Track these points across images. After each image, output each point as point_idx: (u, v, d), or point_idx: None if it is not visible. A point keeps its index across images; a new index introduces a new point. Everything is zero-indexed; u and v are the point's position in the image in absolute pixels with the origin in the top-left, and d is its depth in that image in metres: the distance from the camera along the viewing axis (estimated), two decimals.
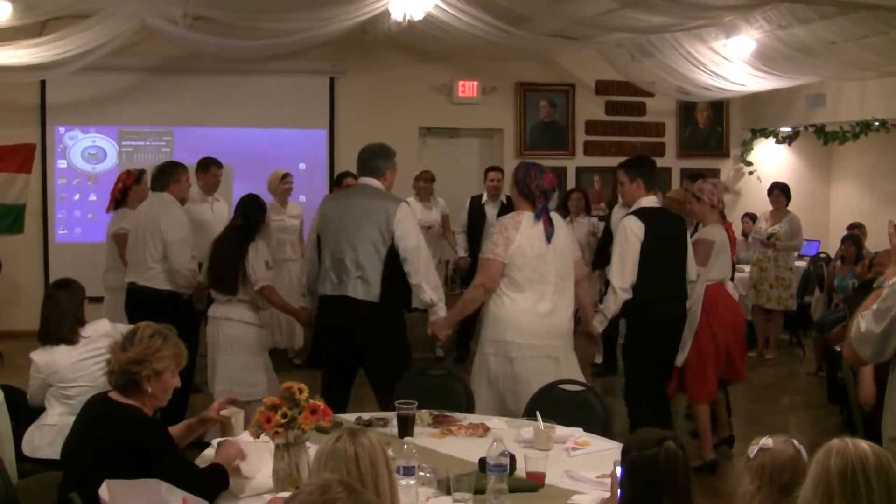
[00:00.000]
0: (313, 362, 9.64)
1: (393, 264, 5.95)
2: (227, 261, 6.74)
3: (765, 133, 13.92)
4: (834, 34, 9.56)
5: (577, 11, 9.84)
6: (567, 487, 3.84)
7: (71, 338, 5.19)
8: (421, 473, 3.69)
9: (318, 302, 6.30)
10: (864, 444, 2.51)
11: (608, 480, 3.39)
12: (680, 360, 6.68)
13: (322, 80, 12.60)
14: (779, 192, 10.88)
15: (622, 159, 6.99)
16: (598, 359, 10.31)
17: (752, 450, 2.97)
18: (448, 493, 3.65)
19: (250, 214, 6.81)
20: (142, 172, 8.43)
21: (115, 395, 3.79)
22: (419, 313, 6.67)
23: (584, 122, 13.50)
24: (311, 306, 6.49)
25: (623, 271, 6.23)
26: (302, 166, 12.08)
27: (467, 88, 12.98)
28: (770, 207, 11.00)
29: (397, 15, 9.71)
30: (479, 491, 3.63)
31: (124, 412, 3.71)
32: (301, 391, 3.75)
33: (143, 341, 3.80)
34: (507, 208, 10.34)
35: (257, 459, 3.95)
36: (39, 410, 5.23)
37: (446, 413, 4.93)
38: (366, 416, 4.96)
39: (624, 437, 4.00)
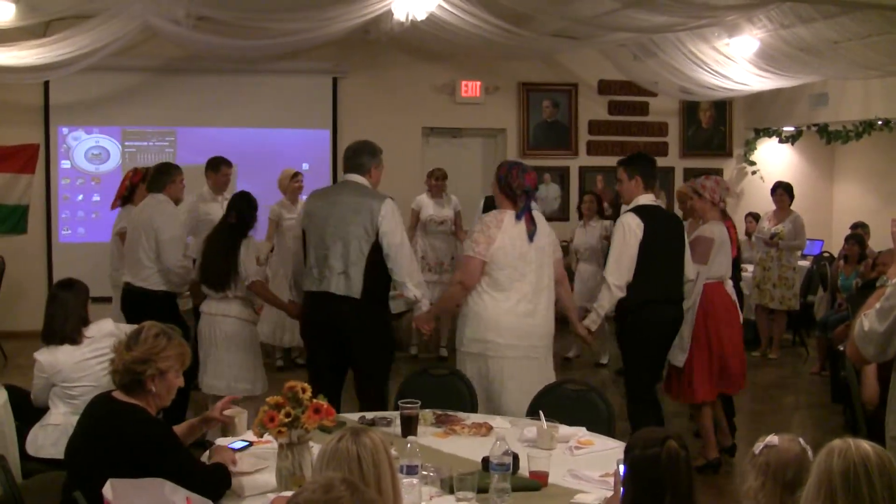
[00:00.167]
0: None
1: (376, 261, 5.95)
2: (219, 258, 6.80)
3: (768, 132, 13.91)
4: (837, 33, 9.54)
5: (579, 11, 9.84)
6: (570, 486, 3.85)
7: (75, 337, 5.20)
8: (424, 473, 3.70)
9: (303, 298, 6.31)
10: (866, 445, 2.51)
11: (611, 480, 3.40)
12: (681, 360, 6.66)
13: (325, 80, 12.60)
14: (782, 191, 10.87)
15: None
16: (604, 359, 10.31)
17: (758, 447, 2.97)
18: (451, 492, 3.66)
19: (243, 212, 6.86)
20: (149, 171, 8.44)
21: (118, 395, 3.79)
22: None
23: (587, 121, 13.50)
24: (299, 300, 6.48)
25: (619, 268, 6.21)
26: (305, 166, 12.07)
27: (470, 88, 12.98)
28: (773, 207, 10.99)
29: (400, 15, 9.71)
30: (483, 490, 3.64)
31: (128, 411, 3.72)
32: (304, 390, 3.76)
33: (147, 341, 3.81)
34: None
35: (252, 462, 3.97)
36: (43, 410, 5.23)
37: (449, 412, 4.94)
38: (369, 415, 4.96)
39: (627, 436, 4.01)
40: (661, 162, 12.60)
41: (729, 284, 6.87)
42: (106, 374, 4.13)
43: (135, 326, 4.01)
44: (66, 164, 11.95)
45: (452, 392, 5.39)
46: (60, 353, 5.18)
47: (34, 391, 5.29)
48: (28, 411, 5.23)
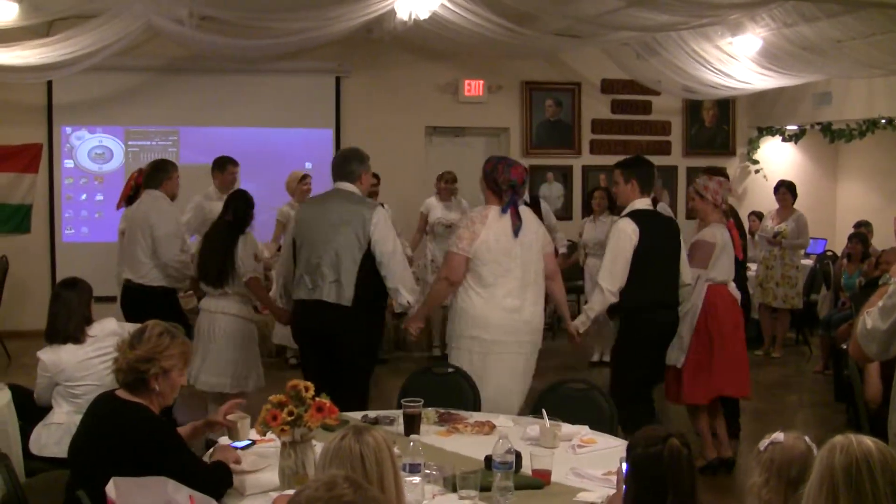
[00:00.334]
0: None
1: (368, 269, 5.95)
2: (216, 255, 6.85)
3: (771, 131, 13.89)
4: (840, 32, 9.54)
5: (582, 10, 9.83)
6: (573, 485, 3.85)
7: (78, 337, 5.21)
8: (427, 471, 3.70)
9: (293, 306, 6.32)
10: (869, 441, 2.51)
11: (614, 478, 3.39)
12: (680, 361, 6.61)
13: (328, 80, 12.60)
14: (785, 190, 10.86)
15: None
16: (595, 357, 10.31)
17: (763, 443, 2.97)
18: (454, 490, 3.66)
19: (240, 210, 6.92)
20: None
21: (122, 394, 3.80)
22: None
23: (589, 120, 13.49)
24: (288, 307, 6.49)
25: (613, 274, 6.16)
26: (308, 165, 12.06)
27: (473, 87, 12.98)
28: (776, 206, 10.98)
29: (403, 14, 9.71)
30: (485, 488, 3.64)
31: (132, 410, 3.73)
32: (307, 389, 3.76)
33: (151, 339, 3.82)
34: (529, 207, 10.35)
35: (255, 461, 3.97)
36: (47, 409, 5.24)
37: (452, 411, 4.95)
38: (372, 414, 4.97)
39: (629, 435, 4.01)
40: (664, 161, 12.71)
41: (732, 286, 6.79)
42: (109, 373, 4.14)
43: (138, 325, 4.02)
44: (69, 163, 11.95)
45: (455, 391, 5.39)
46: (64, 352, 5.18)
47: (37, 390, 5.29)
48: (31, 410, 5.23)
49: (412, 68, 12.69)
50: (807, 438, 2.98)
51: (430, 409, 4.81)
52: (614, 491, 3.28)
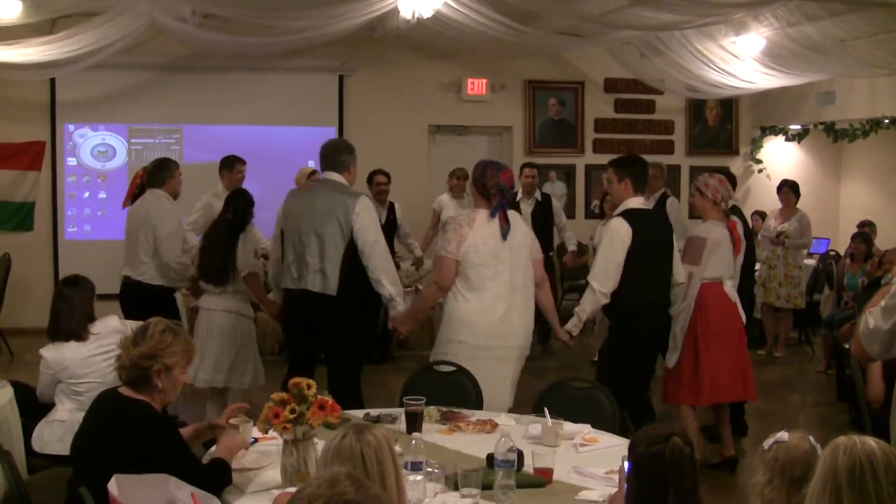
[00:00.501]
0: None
1: (352, 259, 5.98)
2: (217, 253, 6.87)
3: (774, 131, 13.87)
4: (844, 31, 9.53)
5: (585, 9, 9.83)
6: (575, 483, 3.85)
7: (80, 334, 5.22)
8: (429, 469, 3.70)
9: (281, 296, 6.37)
10: (872, 441, 2.51)
11: (616, 477, 3.39)
12: (672, 360, 6.57)
13: (331, 78, 12.60)
14: (788, 189, 10.85)
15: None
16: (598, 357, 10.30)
17: (768, 442, 2.97)
18: (456, 488, 3.66)
19: (240, 208, 6.95)
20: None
21: (125, 391, 3.81)
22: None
23: (593, 119, 13.48)
24: (279, 300, 6.53)
25: (606, 274, 6.11)
26: (311, 164, 12.05)
27: (476, 86, 12.97)
28: (779, 205, 10.97)
29: (406, 12, 9.70)
30: (487, 486, 3.64)
31: (134, 407, 3.73)
32: (309, 387, 3.76)
33: (154, 336, 3.83)
34: (541, 205, 10.38)
35: (257, 459, 3.98)
36: (49, 406, 5.25)
37: (454, 409, 4.94)
38: (374, 412, 4.96)
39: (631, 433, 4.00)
40: (667, 160, 12.68)
41: (728, 285, 6.66)
42: (112, 371, 4.15)
43: (141, 323, 4.03)
44: (72, 161, 11.96)
45: (457, 389, 5.38)
46: (66, 350, 5.19)
47: (40, 387, 5.30)
48: (34, 408, 5.24)
49: (415, 67, 12.69)
50: (811, 438, 2.97)
51: (432, 407, 4.81)
52: (616, 490, 3.27)
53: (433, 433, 4.56)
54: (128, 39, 10.05)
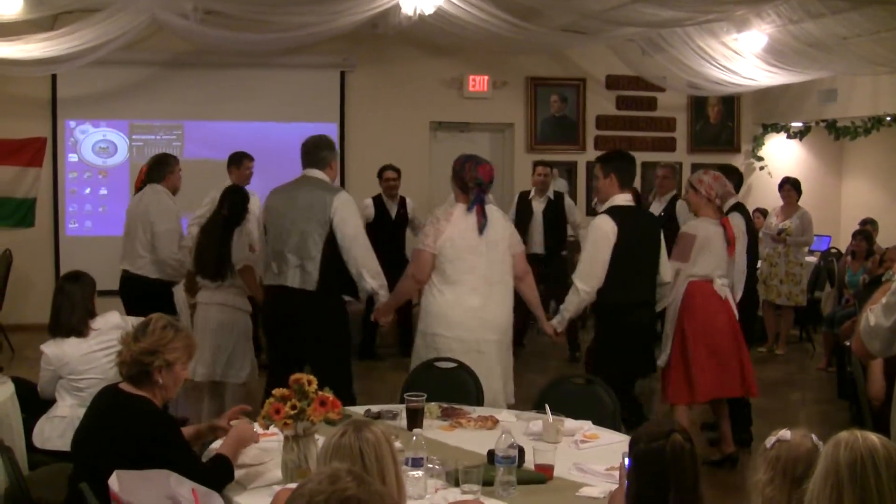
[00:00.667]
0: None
1: (333, 254, 5.98)
2: (213, 249, 6.91)
3: (776, 128, 13.87)
4: (846, 29, 9.52)
5: (587, 5, 9.81)
6: (576, 480, 3.85)
7: (81, 330, 5.22)
8: (430, 465, 3.70)
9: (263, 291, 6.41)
10: (873, 437, 2.50)
11: (617, 473, 3.39)
12: (662, 359, 6.54)
13: (332, 75, 12.60)
14: (790, 187, 10.85)
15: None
16: None
17: (770, 440, 2.96)
18: (457, 484, 3.65)
19: (236, 204, 7.00)
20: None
21: (125, 387, 3.81)
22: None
23: (594, 116, 13.47)
24: None
25: (590, 273, 6.07)
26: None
27: (478, 83, 12.97)
28: (781, 203, 10.97)
29: (408, 9, 9.70)
30: (488, 483, 3.64)
31: (135, 403, 3.73)
32: (310, 383, 3.76)
33: (155, 332, 3.83)
34: (554, 203, 10.38)
35: (258, 455, 3.97)
36: (50, 402, 5.25)
37: (455, 406, 4.94)
38: (375, 408, 4.96)
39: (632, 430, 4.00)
40: (668, 157, 12.71)
41: (717, 283, 6.53)
42: (112, 367, 4.14)
43: (142, 319, 4.03)
44: (73, 157, 11.96)
45: (458, 385, 5.38)
46: (67, 346, 5.19)
47: (41, 383, 5.30)
48: (35, 403, 5.24)
49: (417, 63, 12.68)
50: (813, 436, 2.96)
51: (433, 403, 4.81)
52: (617, 486, 3.27)
53: (434, 429, 4.55)
54: (129, 35, 10.05)
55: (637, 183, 12.55)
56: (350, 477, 2.17)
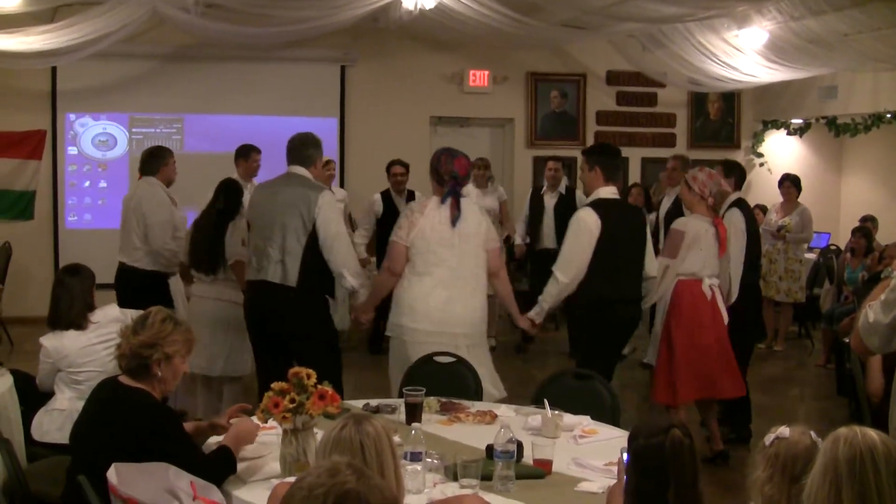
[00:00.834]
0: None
1: (314, 251, 6.00)
2: (207, 243, 6.94)
3: (776, 125, 13.86)
4: (847, 26, 9.50)
5: (588, 1, 9.81)
6: (574, 475, 3.85)
7: (80, 323, 5.22)
8: (428, 460, 3.70)
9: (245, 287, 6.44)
10: (873, 433, 2.50)
11: (615, 468, 3.39)
12: (651, 357, 6.51)
13: (333, 69, 12.59)
14: (789, 183, 10.85)
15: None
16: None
17: (769, 438, 2.95)
18: (455, 479, 3.66)
19: (231, 198, 7.03)
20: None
21: (124, 379, 3.81)
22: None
23: (594, 112, 13.46)
24: None
25: (570, 264, 6.04)
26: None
27: (478, 78, 12.96)
28: (781, 199, 10.97)
29: (409, 4, 9.70)
30: (487, 477, 3.64)
31: (133, 396, 3.73)
32: (309, 377, 3.76)
33: (154, 325, 3.83)
34: (565, 198, 10.38)
35: (256, 448, 3.98)
36: (48, 395, 5.25)
37: (454, 400, 4.94)
38: (373, 402, 4.96)
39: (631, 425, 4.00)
40: (668, 153, 12.66)
41: (706, 283, 6.47)
42: (112, 360, 4.15)
43: (141, 312, 4.03)
44: (73, 150, 11.95)
45: (457, 380, 5.38)
46: (66, 339, 5.19)
47: (40, 376, 5.30)
48: (33, 396, 5.24)
49: (417, 58, 12.67)
50: (812, 433, 2.95)
51: (431, 398, 4.81)
52: (615, 481, 3.27)
53: (433, 423, 4.56)
54: (130, 28, 10.04)
55: (637, 179, 12.59)
56: (350, 470, 2.17)
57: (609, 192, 6.21)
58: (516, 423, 4.47)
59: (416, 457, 3.59)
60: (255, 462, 3.88)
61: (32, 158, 11.41)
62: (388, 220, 9.95)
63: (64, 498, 3.85)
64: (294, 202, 6.02)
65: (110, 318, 5.27)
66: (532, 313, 6.20)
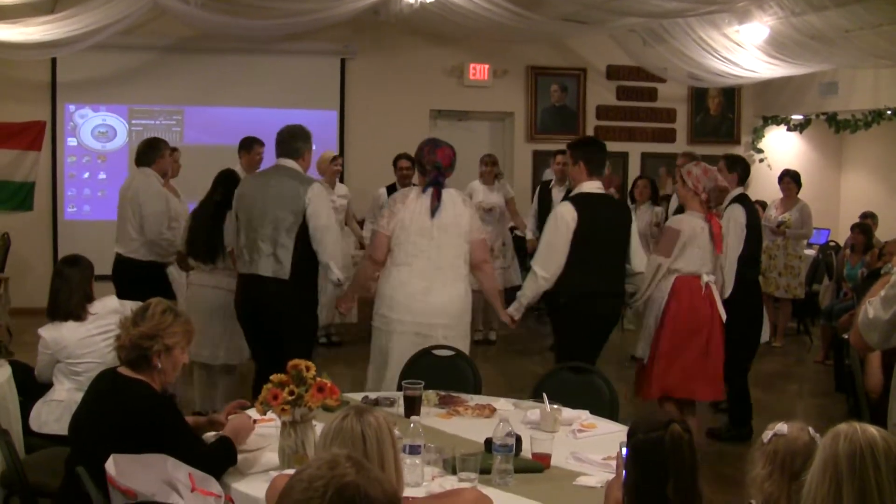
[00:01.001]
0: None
1: (305, 244, 6.02)
2: (205, 232, 6.97)
3: (776, 120, 13.87)
4: (848, 21, 9.49)
5: None
6: (573, 469, 3.85)
7: (79, 314, 5.21)
8: (427, 453, 3.70)
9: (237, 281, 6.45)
10: (873, 429, 2.50)
11: (614, 463, 3.39)
12: (642, 351, 6.44)
13: (333, 62, 12.58)
14: (789, 179, 10.84)
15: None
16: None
17: (767, 434, 2.95)
18: (454, 472, 3.65)
19: (229, 189, 6.97)
20: (173, 150, 8.44)
21: (124, 371, 3.80)
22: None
23: (594, 106, 13.47)
24: None
25: (548, 259, 6.05)
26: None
27: (478, 71, 12.96)
28: (780, 195, 10.96)
29: None
30: (485, 471, 3.64)
31: (133, 387, 3.73)
32: (308, 369, 3.75)
33: (154, 317, 3.82)
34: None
35: (255, 440, 3.97)
36: (47, 386, 5.25)
37: (453, 394, 4.94)
38: (372, 395, 4.96)
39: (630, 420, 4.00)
40: (668, 148, 12.71)
41: (704, 279, 6.36)
42: (110, 351, 4.14)
43: (141, 303, 4.02)
44: (72, 141, 11.95)
45: (456, 373, 5.39)
46: (65, 330, 5.19)
47: (38, 367, 5.30)
48: (32, 387, 5.24)
49: (418, 51, 12.67)
50: (810, 429, 2.95)
51: (430, 391, 4.81)
52: (614, 475, 3.27)
53: (432, 417, 4.55)
54: (130, 20, 10.04)
55: (637, 174, 12.57)
56: (349, 463, 2.17)
57: (592, 186, 6.19)
58: (515, 416, 4.47)
59: (414, 450, 3.59)
60: (254, 454, 3.88)
61: (32, 149, 11.39)
62: None
63: (62, 489, 3.85)
64: (284, 195, 6.04)
65: (109, 310, 5.27)
66: (511, 309, 6.21)
